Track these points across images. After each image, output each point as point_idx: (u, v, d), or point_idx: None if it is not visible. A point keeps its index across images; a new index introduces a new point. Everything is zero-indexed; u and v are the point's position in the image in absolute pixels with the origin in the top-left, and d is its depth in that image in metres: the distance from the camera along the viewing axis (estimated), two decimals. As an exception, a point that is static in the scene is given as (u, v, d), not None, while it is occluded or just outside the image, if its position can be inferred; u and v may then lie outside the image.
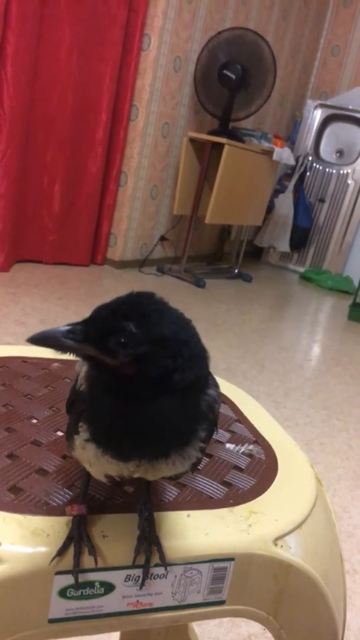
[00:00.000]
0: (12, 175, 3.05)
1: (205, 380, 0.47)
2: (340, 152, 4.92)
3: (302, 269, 5.08)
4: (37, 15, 2.91)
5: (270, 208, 4.75)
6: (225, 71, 3.62)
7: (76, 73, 3.20)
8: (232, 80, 3.62)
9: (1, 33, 2.78)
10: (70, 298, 3.03)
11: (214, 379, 0.49)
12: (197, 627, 1.09)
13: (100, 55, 3.30)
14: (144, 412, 0.43)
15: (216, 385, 0.49)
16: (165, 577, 0.51)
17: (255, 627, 1.15)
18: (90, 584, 0.48)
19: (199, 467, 0.54)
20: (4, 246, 3.12)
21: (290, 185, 4.89)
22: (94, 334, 0.42)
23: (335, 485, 1.77)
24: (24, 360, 0.82)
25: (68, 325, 0.42)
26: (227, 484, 0.62)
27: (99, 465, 0.48)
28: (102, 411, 0.45)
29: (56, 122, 3.23)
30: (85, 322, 0.43)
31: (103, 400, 0.45)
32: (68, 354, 0.42)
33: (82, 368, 0.48)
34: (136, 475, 0.49)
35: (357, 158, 4.81)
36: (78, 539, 0.49)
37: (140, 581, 0.50)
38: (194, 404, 0.46)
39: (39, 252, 3.46)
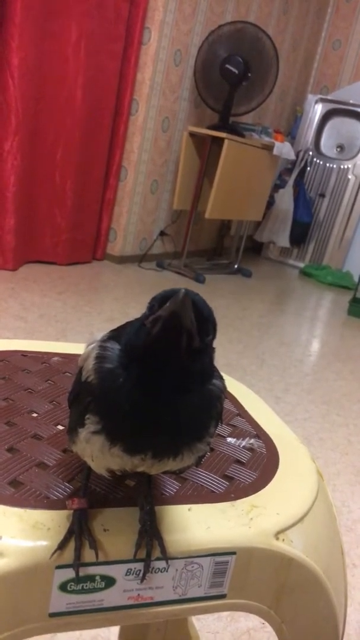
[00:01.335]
0: (20, 172, 3.03)
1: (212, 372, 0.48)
2: (340, 147, 4.91)
3: (302, 264, 5.08)
4: (43, 8, 2.88)
5: (270, 203, 4.74)
6: (227, 65, 3.60)
7: (85, 68, 3.17)
8: (234, 75, 3.60)
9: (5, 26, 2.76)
10: (70, 293, 3.02)
11: (218, 372, 0.49)
12: (196, 621, 1.09)
13: (107, 49, 3.27)
14: (167, 405, 0.44)
15: (221, 378, 0.49)
16: (166, 571, 0.51)
17: (254, 621, 1.16)
18: (91, 578, 0.48)
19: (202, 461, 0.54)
20: (11, 244, 3.10)
21: (291, 180, 4.88)
22: (198, 317, 0.43)
23: (335, 480, 1.77)
24: (24, 354, 0.81)
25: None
26: (228, 478, 0.61)
27: (102, 459, 0.48)
28: (120, 401, 0.44)
29: (66, 119, 3.21)
30: (163, 298, 0.43)
31: (122, 390, 0.44)
32: (172, 324, 0.42)
33: (89, 360, 0.47)
34: (140, 469, 0.48)
35: (358, 153, 4.79)
36: (79, 532, 0.48)
37: (141, 575, 0.49)
38: (208, 397, 0.47)
39: (54, 254, 3.44)
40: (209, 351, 0.45)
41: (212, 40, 3.71)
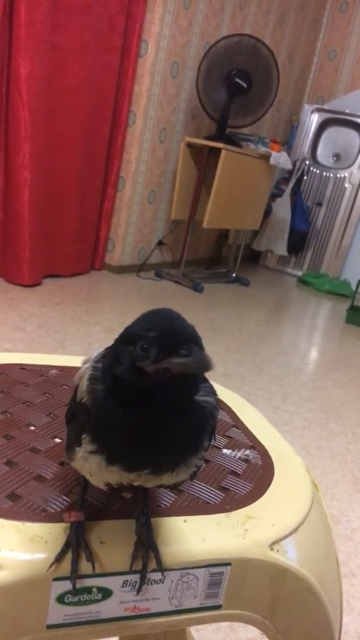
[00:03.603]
0: (31, 186, 3.05)
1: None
2: (337, 156, 4.94)
3: (299, 273, 5.09)
4: (48, 24, 2.91)
5: (267, 212, 4.77)
6: (237, 79, 3.64)
7: (85, 81, 3.20)
8: (242, 88, 3.65)
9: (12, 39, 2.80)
10: (69, 303, 3.04)
11: (211, 386, 0.50)
12: (195, 632, 1.09)
13: (102, 61, 3.31)
14: (162, 424, 0.44)
15: (214, 393, 0.49)
16: (162, 582, 0.51)
17: (253, 632, 1.16)
18: (88, 590, 0.49)
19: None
20: (34, 261, 3.11)
21: (288, 189, 4.91)
22: (170, 348, 0.42)
23: (334, 489, 1.77)
24: (22, 367, 0.82)
25: (146, 341, 0.42)
26: (223, 490, 0.62)
27: (99, 474, 0.49)
28: (115, 424, 0.45)
29: (70, 130, 3.23)
30: (194, 341, 0.42)
31: (117, 413, 0.45)
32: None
33: (83, 380, 0.48)
34: (136, 484, 0.49)
35: (354, 162, 4.83)
36: (76, 545, 0.49)
37: (137, 586, 0.50)
38: (201, 413, 0.47)
39: (61, 266, 3.45)
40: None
41: (215, 52, 3.74)
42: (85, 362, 0.50)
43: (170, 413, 0.44)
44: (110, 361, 0.45)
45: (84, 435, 0.47)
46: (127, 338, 0.44)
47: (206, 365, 0.40)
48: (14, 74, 2.85)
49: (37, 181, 3.07)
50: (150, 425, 0.44)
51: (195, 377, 0.43)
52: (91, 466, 0.48)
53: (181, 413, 0.45)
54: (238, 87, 3.67)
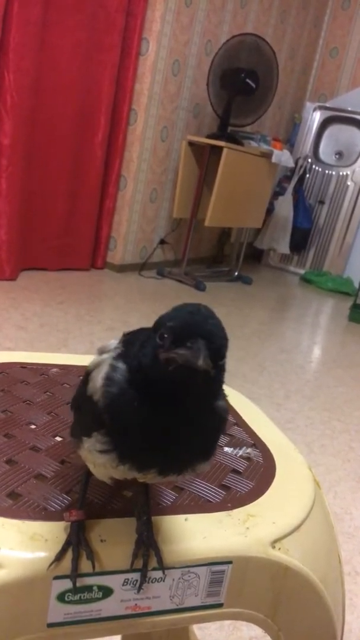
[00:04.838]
0: (18, 182, 3.04)
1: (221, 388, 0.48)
2: (339, 154, 4.93)
3: (302, 271, 5.09)
4: (40, 21, 2.90)
5: (270, 210, 4.76)
6: (248, 80, 3.64)
7: (77, 78, 3.21)
8: (251, 89, 3.66)
9: (2, 37, 2.79)
10: (71, 302, 3.04)
11: (223, 390, 0.49)
12: (198, 630, 1.09)
13: (100, 59, 3.31)
14: (179, 428, 0.44)
15: (224, 396, 0.49)
16: (163, 581, 0.51)
17: (256, 630, 1.15)
18: (89, 588, 0.49)
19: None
20: (11, 256, 3.11)
21: (290, 188, 4.90)
22: (212, 348, 0.42)
23: (336, 487, 1.77)
24: (23, 366, 0.82)
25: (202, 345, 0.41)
26: (225, 488, 0.62)
27: (104, 470, 0.49)
28: (130, 426, 0.44)
29: (58, 127, 3.23)
30: (205, 338, 0.41)
31: (134, 415, 0.44)
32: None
33: (98, 377, 0.47)
34: (141, 480, 0.49)
35: (357, 159, 4.82)
36: (76, 543, 0.49)
37: (138, 585, 0.50)
38: (217, 420, 0.47)
39: (44, 259, 3.46)
40: (221, 370, 0.45)
41: (219, 51, 3.73)
42: (101, 352, 0.49)
43: (189, 417, 0.44)
44: (138, 348, 0.45)
45: (95, 434, 0.46)
46: (153, 326, 0.44)
47: (193, 360, 0.40)
48: (4, 67, 2.84)
49: (19, 174, 3.05)
50: (169, 428, 0.44)
51: (208, 377, 0.41)
52: (96, 461, 0.48)
53: (200, 418, 0.45)
54: (247, 88, 3.66)
